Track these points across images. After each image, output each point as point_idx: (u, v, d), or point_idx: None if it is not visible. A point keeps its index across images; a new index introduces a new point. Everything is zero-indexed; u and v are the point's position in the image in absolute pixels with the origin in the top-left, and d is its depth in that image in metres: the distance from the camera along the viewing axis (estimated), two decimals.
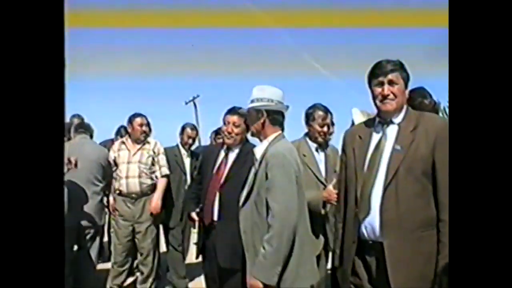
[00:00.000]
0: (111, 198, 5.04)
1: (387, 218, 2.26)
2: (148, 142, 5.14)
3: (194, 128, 5.68)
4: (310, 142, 3.73)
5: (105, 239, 6.34)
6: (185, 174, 5.37)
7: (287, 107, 2.91)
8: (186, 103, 24.71)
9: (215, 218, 3.52)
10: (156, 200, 4.94)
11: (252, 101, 2.88)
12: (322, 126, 3.68)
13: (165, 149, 5.36)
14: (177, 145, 5.47)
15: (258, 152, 2.82)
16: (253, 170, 2.82)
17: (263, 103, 2.84)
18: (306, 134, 3.80)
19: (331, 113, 3.74)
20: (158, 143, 5.22)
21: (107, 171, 4.96)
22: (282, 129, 2.89)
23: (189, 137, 5.50)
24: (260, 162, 2.74)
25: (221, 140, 5.60)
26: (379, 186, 2.30)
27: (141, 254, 5.02)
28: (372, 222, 2.31)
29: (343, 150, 2.59)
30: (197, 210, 3.80)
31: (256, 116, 2.85)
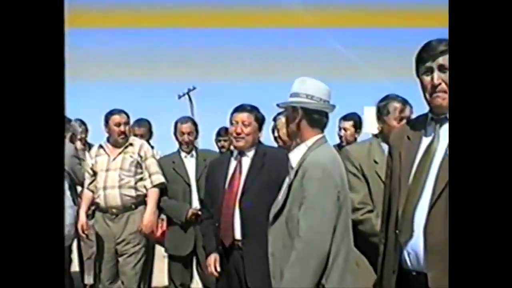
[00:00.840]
0: (81, 215, 4.07)
1: (433, 243, 1.76)
2: (132, 144, 4.16)
3: (188, 120, 4.47)
4: (384, 145, 2.86)
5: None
6: (189, 184, 4.17)
7: (333, 106, 2.47)
8: (180, 97, 21.19)
9: (238, 236, 2.97)
10: (148, 215, 3.98)
11: (291, 96, 2.45)
12: (400, 121, 2.87)
13: (163, 157, 4.41)
14: (178, 150, 4.34)
15: (294, 158, 2.38)
16: (287, 181, 2.38)
17: (300, 99, 2.39)
18: (377, 135, 3.06)
19: (410, 105, 2.97)
20: (145, 144, 4.25)
21: (73, 179, 4.24)
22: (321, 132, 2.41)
23: (183, 133, 4.26)
24: (296, 172, 2.30)
25: (224, 143, 5.01)
26: (425, 202, 1.81)
27: (122, 283, 4.01)
28: (416, 248, 1.81)
29: (390, 154, 2.07)
30: (217, 255, 3.09)
31: (291, 115, 2.42)
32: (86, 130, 5.19)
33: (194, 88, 21.00)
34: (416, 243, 1.81)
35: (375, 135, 3.07)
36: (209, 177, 3.38)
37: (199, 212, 3.94)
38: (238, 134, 3.11)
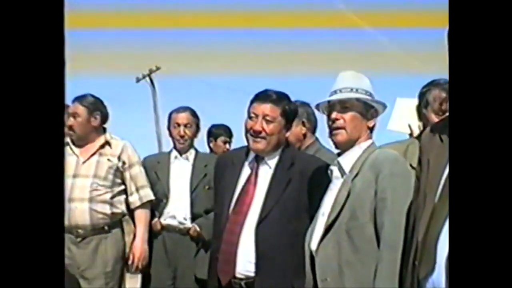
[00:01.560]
0: None
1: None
2: (109, 144, 3.13)
3: (186, 109, 3.49)
4: None
5: None
6: (166, 196, 3.28)
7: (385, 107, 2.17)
8: (138, 80, 16.34)
9: (240, 272, 2.23)
10: (141, 244, 3.07)
11: (356, 90, 2.06)
12: (442, 114, 2.20)
13: (149, 156, 3.49)
14: (171, 149, 3.49)
15: (347, 161, 2.05)
16: (333, 188, 2.05)
17: (370, 98, 2.08)
18: (418, 136, 2.40)
19: None
20: (128, 146, 3.19)
21: None
22: None
23: (178, 124, 3.35)
24: (357, 174, 1.98)
25: (224, 146, 4.03)
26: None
27: None
28: (439, 283, 1.45)
29: (419, 160, 1.69)
30: None
31: (365, 114, 2.08)
32: None
33: (157, 69, 16.14)
34: (438, 279, 1.44)
35: (416, 136, 2.44)
36: (217, 182, 2.51)
37: (159, 226, 3.25)
38: (256, 132, 2.30)
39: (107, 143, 3.14)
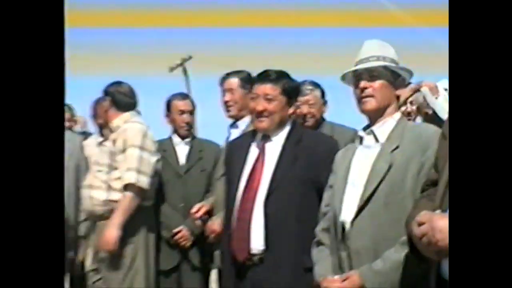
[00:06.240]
0: None
1: None
2: (110, 129, 3.14)
3: (186, 96, 3.67)
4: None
5: None
6: (180, 175, 3.34)
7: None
8: (172, 70, 15.95)
9: (255, 249, 2.29)
10: (111, 228, 2.82)
11: (379, 59, 2.05)
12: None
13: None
14: (169, 137, 3.48)
15: (382, 130, 2.01)
16: (365, 157, 1.99)
17: (398, 66, 2.06)
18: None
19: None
20: (130, 128, 3.03)
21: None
22: None
23: (182, 111, 3.38)
24: (397, 147, 1.93)
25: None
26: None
27: None
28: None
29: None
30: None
31: (393, 83, 2.06)
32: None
33: (189, 58, 15.99)
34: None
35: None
36: (227, 166, 2.60)
37: (186, 234, 3.22)
38: (259, 112, 2.40)
39: (110, 128, 3.14)
